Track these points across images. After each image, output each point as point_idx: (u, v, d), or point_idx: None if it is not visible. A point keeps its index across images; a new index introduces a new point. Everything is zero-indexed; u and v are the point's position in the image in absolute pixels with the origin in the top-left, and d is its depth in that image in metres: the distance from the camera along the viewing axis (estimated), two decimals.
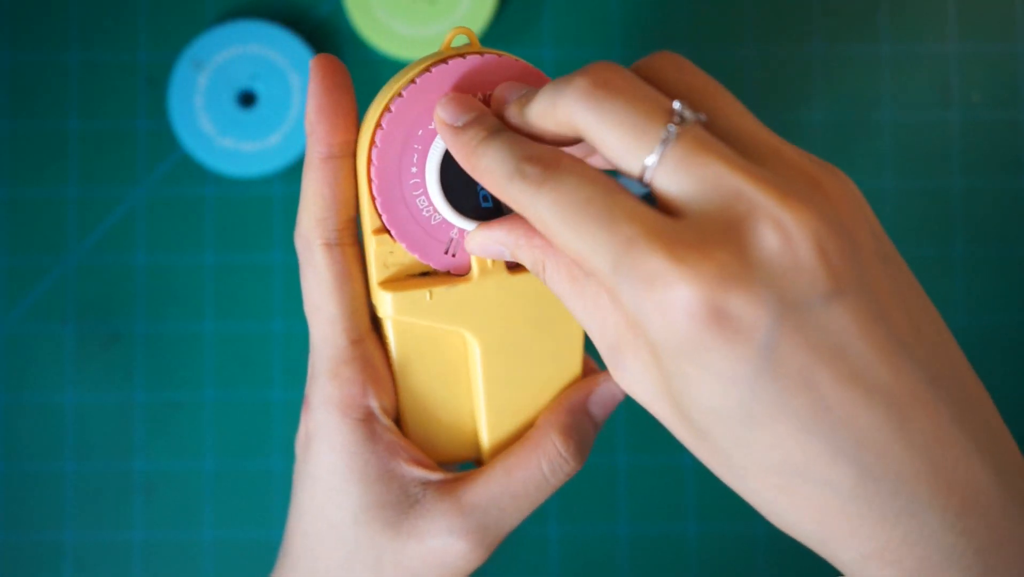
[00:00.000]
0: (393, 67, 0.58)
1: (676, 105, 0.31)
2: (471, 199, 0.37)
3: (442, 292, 0.38)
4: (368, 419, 0.38)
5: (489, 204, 0.36)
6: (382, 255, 0.38)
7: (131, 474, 0.57)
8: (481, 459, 0.41)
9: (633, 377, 0.31)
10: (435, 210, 0.37)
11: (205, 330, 0.57)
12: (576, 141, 0.32)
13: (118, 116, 0.58)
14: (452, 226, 0.37)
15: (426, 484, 0.38)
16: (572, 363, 0.40)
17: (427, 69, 0.36)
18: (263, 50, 0.57)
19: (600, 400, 0.39)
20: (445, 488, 0.38)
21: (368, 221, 0.37)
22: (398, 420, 0.40)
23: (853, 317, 0.27)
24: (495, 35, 0.58)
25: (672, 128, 0.29)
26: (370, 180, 0.37)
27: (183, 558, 0.57)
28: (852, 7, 0.59)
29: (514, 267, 0.38)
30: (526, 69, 0.37)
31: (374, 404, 0.38)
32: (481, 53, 0.36)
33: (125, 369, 0.57)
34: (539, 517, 0.57)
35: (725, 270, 0.26)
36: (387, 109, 0.36)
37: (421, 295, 0.38)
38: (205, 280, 0.58)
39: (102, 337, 0.58)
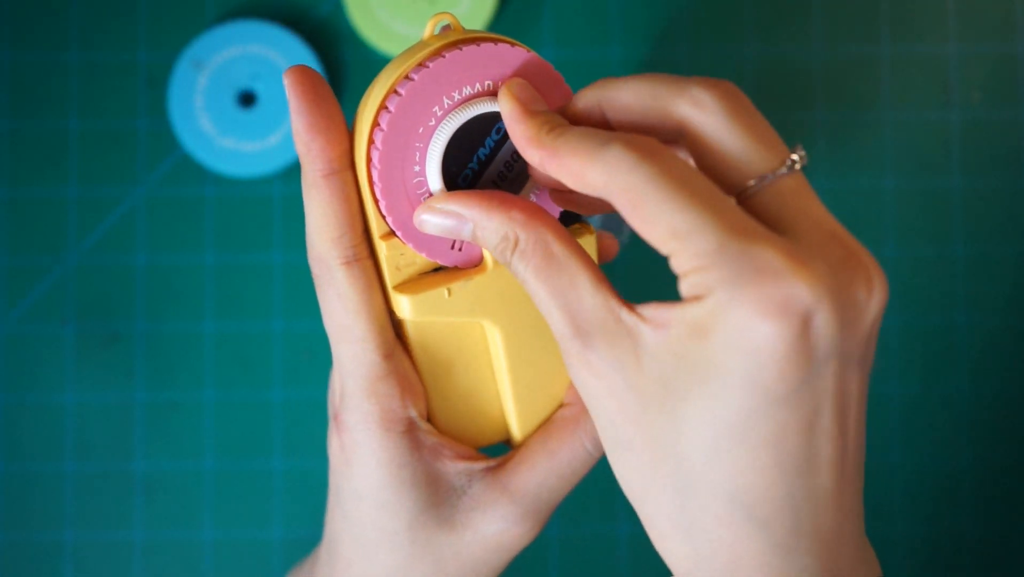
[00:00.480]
0: None
1: (800, 152, 0.33)
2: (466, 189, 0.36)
3: (460, 287, 0.37)
4: (410, 430, 0.38)
5: (465, 184, 0.36)
6: (393, 259, 0.37)
7: (131, 474, 0.57)
8: (511, 441, 0.41)
9: (601, 364, 0.31)
10: None
11: (205, 330, 0.57)
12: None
13: (118, 116, 0.58)
14: None
15: (471, 474, 0.38)
16: None
17: (423, 64, 0.35)
18: (263, 50, 0.57)
19: None
20: (492, 477, 0.38)
21: (375, 226, 0.36)
22: (429, 417, 0.40)
23: (861, 388, 0.30)
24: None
25: (795, 158, 0.32)
26: (372, 183, 0.36)
27: (183, 558, 0.57)
28: (852, 7, 0.59)
29: None
30: (529, 59, 0.36)
31: (413, 413, 0.38)
32: (476, 41, 0.35)
33: (125, 369, 0.57)
34: None
35: (834, 295, 0.28)
36: (384, 108, 0.35)
37: (439, 294, 0.37)
38: (205, 280, 0.58)
39: (102, 337, 0.58)
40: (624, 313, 0.32)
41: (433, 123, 0.35)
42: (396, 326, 0.39)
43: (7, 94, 0.58)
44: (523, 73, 0.36)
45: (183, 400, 0.57)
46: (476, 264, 0.37)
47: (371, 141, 0.35)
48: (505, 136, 0.35)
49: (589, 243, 0.39)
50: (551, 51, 0.58)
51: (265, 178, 0.58)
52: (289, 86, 0.34)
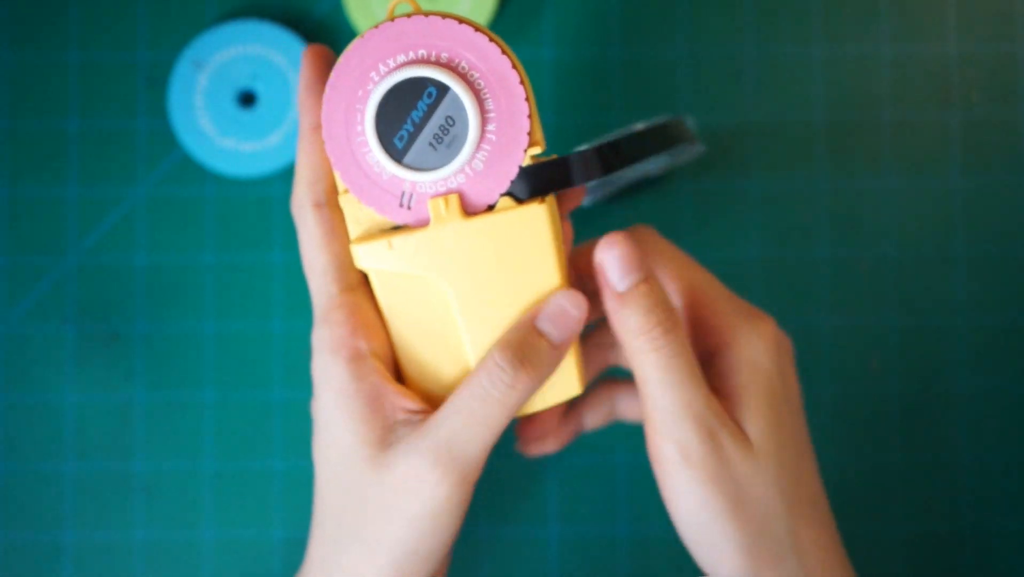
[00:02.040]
0: None
1: None
2: (404, 153, 0.39)
3: (400, 241, 0.39)
4: (355, 358, 0.39)
5: (403, 144, 0.39)
6: (352, 212, 0.40)
7: (131, 474, 0.57)
8: None
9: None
10: (382, 166, 0.39)
11: (205, 330, 0.57)
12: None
13: (118, 116, 0.58)
14: (403, 180, 0.39)
15: (407, 419, 0.40)
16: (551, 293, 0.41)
17: (362, 34, 0.38)
18: (263, 50, 0.57)
19: (549, 316, 0.40)
20: (417, 423, 0.39)
21: (339, 183, 0.40)
22: (397, 371, 0.42)
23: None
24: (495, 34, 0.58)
25: None
26: (324, 139, 0.39)
27: (183, 558, 0.57)
28: (852, 7, 0.59)
29: (471, 212, 0.40)
30: (466, 35, 0.38)
31: (363, 345, 0.40)
32: (425, 14, 0.38)
33: (125, 369, 0.57)
34: (539, 517, 0.57)
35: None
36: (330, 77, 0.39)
37: (381, 245, 0.40)
38: (205, 280, 0.58)
39: (102, 337, 0.58)
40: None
41: (370, 87, 0.38)
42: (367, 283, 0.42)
43: (7, 94, 0.58)
44: (452, 43, 0.38)
45: (183, 400, 0.57)
46: (424, 223, 0.40)
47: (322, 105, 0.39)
48: (437, 100, 0.38)
49: (549, 212, 0.40)
50: (551, 51, 0.58)
51: (265, 178, 0.58)
52: (303, 58, 0.40)
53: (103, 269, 0.58)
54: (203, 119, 0.57)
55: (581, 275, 0.44)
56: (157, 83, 0.58)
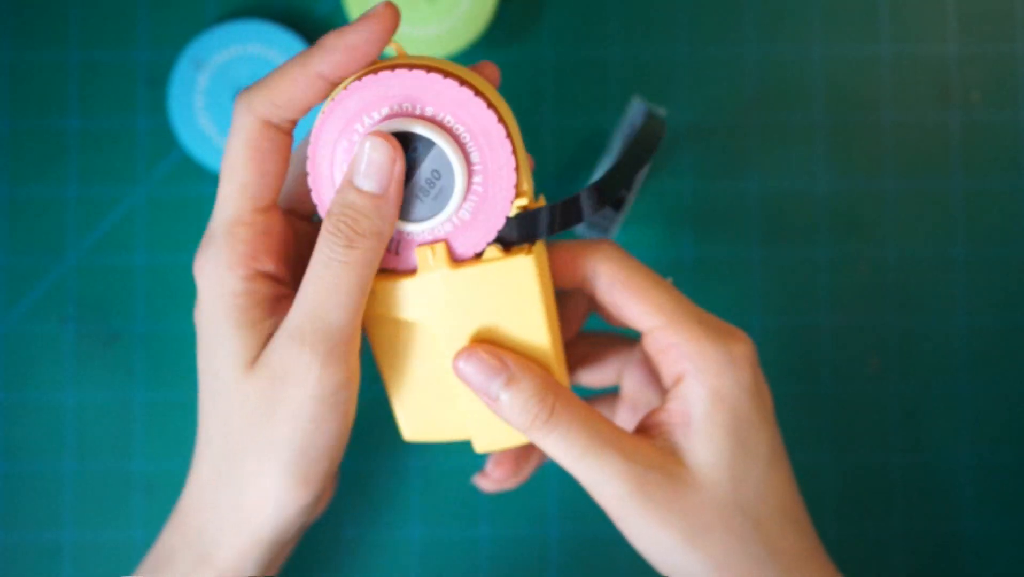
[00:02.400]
0: None
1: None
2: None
3: (384, 287, 0.40)
4: (252, 278, 0.39)
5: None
6: None
7: (131, 474, 0.57)
8: (472, 444, 0.45)
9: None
10: None
11: None
12: None
13: (118, 116, 0.58)
14: None
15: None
16: (540, 341, 0.41)
17: (346, 85, 0.38)
18: (263, 50, 0.57)
19: (359, 169, 0.38)
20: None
21: None
22: (398, 415, 0.43)
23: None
24: (495, 35, 0.58)
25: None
26: (311, 190, 0.39)
27: None
28: (852, 7, 0.59)
29: (458, 260, 0.40)
30: (452, 91, 0.38)
31: (262, 267, 0.39)
32: (395, 67, 0.38)
33: (125, 369, 0.57)
34: (539, 517, 0.57)
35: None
36: (316, 128, 0.38)
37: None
38: None
39: (102, 337, 0.58)
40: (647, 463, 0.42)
41: (356, 138, 0.38)
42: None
43: (7, 94, 0.58)
44: (437, 98, 0.38)
45: (183, 400, 0.57)
46: (412, 270, 0.40)
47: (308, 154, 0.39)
48: (423, 154, 0.38)
49: (536, 261, 0.40)
50: (551, 51, 0.58)
51: None
52: (370, 13, 0.37)
53: (103, 269, 0.58)
54: (203, 119, 0.57)
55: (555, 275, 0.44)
56: (157, 83, 0.58)
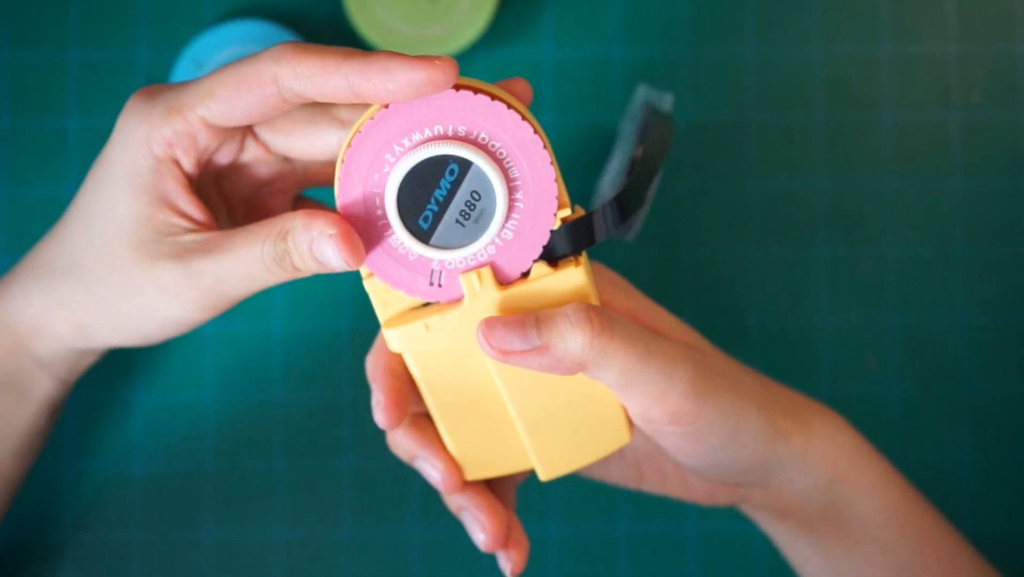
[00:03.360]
0: None
1: None
2: (430, 233, 0.37)
3: (436, 320, 0.38)
4: (166, 161, 0.41)
5: (428, 225, 0.37)
6: (379, 294, 0.39)
7: (131, 474, 0.57)
8: (535, 471, 0.42)
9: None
10: (408, 248, 0.38)
11: (205, 330, 0.57)
12: None
13: (118, 116, 0.58)
14: (431, 259, 0.38)
15: (178, 242, 0.41)
16: None
17: (372, 117, 0.37)
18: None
19: (318, 244, 0.38)
20: (185, 252, 0.41)
21: (361, 268, 0.38)
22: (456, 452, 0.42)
23: None
24: (495, 35, 0.58)
25: None
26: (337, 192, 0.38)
27: (183, 558, 0.57)
28: (852, 7, 0.59)
29: (504, 282, 0.38)
30: (483, 106, 0.37)
31: (178, 156, 0.41)
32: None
33: (125, 369, 0.57)
34: (539, 517, 0.57)
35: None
36: (342, 161, 0.37)
37: (419, 327, 0.39)
38: None
39: None
40: None
41: (387, 169, 0.37)
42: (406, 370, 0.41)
43: (7, 94, 0.58)
44: (470, 116, 0.37)
45: (183, 400, 0.57)
46: (457, 300, 0.39)
47: (337, 190, 0.37)
48: (460, 176, 0.37)
49: (586, 272, 0.39)
50: (551, 51, 0.58)
51: None
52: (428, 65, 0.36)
53: None
54: None
55: None
56: (157, 83, 0.58)
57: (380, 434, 0.58)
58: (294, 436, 0.57)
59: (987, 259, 0.58)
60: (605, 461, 0.48)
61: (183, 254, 0.41)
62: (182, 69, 0.57)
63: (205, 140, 0.41)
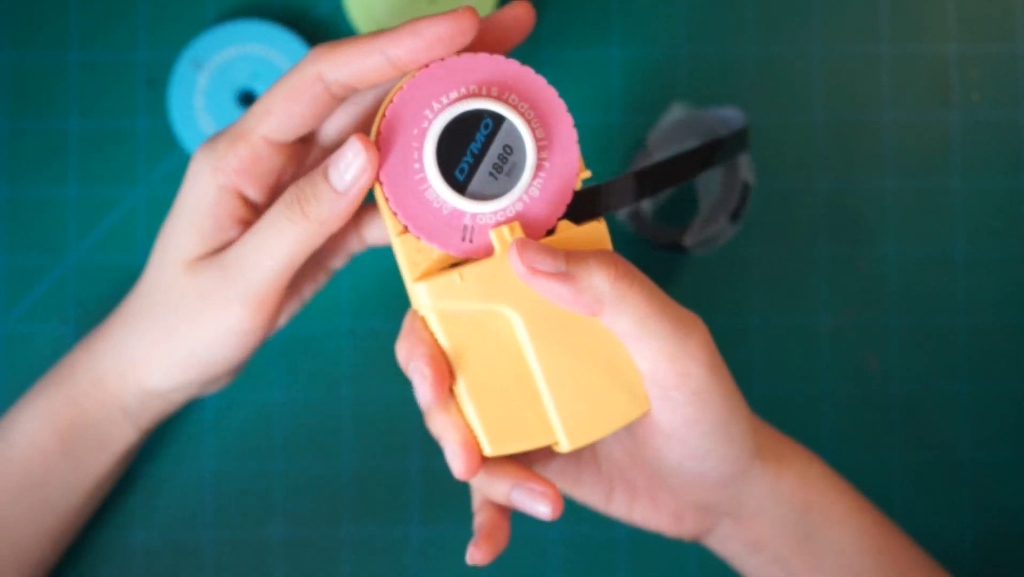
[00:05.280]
0: None
1: None
2: (466, 184, 0.40)
3: (471, 270, 0.40)
4: (227, 190, 0.43)
5: (464, 176, 0.40)
6: (410, 253, 0.40)
7: (131, 474, 0.57)
8: (559, 443, 0.42)
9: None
10: (444, 200, 0.40)
11: None
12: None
13: (118, 116, 0.58)
14: (464, 212, 0.40)
15: (219, 256, 0.44)
16: None
17: (412, 75, 0.39)
18: (263, 50, 0.57)
19: (335, 162, 0.40)
20: (219, 256, 0.44)
21: (390, 225, 0.40)
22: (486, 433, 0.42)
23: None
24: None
25: None
26: (380, 182, 0.40)
27: (183, 558, 0.57)
28: (852, 7, 0.59)
29: (532, 237, 0.40)
30: (513, 68, 0.40)
31: (243, 187, 0.43)
32: (473, 53, 0.40)
33: None
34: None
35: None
36: (382, 116, 0.39)
37: (452, 278, 0.40)
38: None
39: None
40: None
41: (426, 124, 0.39)
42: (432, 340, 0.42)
43: (7, 94, 0.58)
44: (502, 78, 0.40)
45: None
46: (488, 254, 0.40)
47: (376, 145, 0.39)
48: (494, 129, 0.39)
49: (601, 230, 0.42)
50: (551, 51, 0.58)
51: None
52: (451, 15, 0.39)
53: (103, 269, 0.58)
54: (203, 119, 0.57)
55: None
56: (157, 83, 0.58)
57: (380, 434, 0.58)
58: (294, 436, 0.58)
59: (987, 259, 0.58)
60: (577, 473, 0.48)
61: (217, 258, 0.44)
62: (182, 69, 0.57)
63: (270, 160, 0.43)
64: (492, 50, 0.42)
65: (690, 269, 0.58)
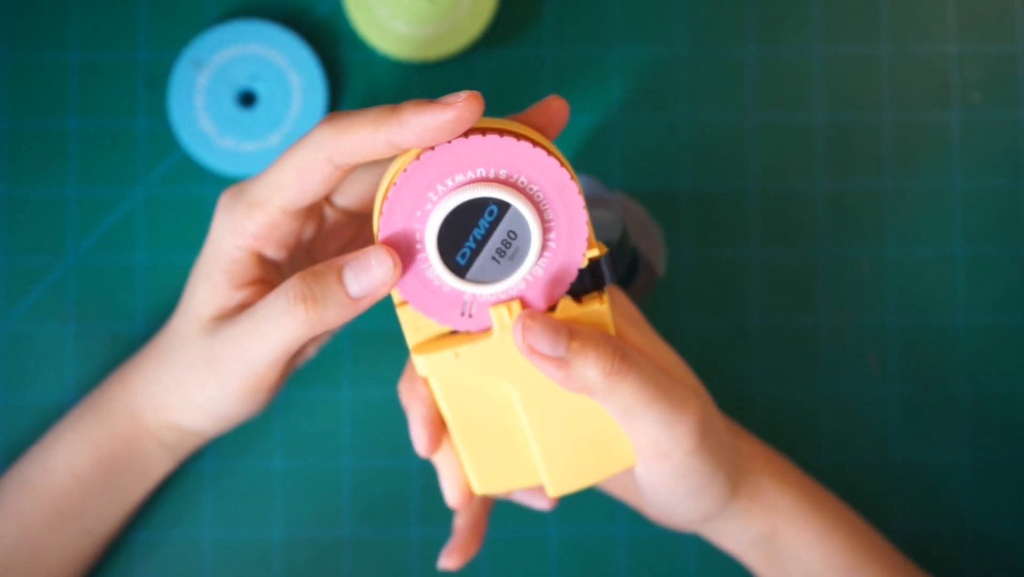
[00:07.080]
0: (393, 67, 0.58)
1: None
2: (467, 268, 0.39)
3: (467, 350, 0.40)
4: (244, 249, 0.44)
5: (465, 261, 0.39)
6: (410, 322, 0.41)
7: None
8: (546, 490, 0.45)
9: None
10: (444, 280, 0.40)
11: None
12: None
13: (118, 116, 0.58)
14: (464, 291, 0.40)
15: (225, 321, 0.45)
16: None
17: (417, 157, 0.38)
18: (263, 50, 0.57)
19: (355, 266, 0.40)
20: (222, 325, 0.45)
21: (394, 294, 0.41)
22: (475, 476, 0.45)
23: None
24: (495, 35, 0.58)
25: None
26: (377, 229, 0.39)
27: (183, 558, 0.57)
28: (852, 7, 0.59)
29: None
30: (522, 150, 0.38)
31: (260, 248, 0.44)
32: (483, 133, 0.38)
33: None
34: (539, 517, 0.57)
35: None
36: (384, 197, 0.39)
37: (448, 355, 0.41)
38: None
39: (102, 337, 0.58)
40: None
41: (429, 207, 0.38)
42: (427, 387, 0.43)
43: (7, 94, 0.58)
44: (511, 160, 0.38)
45: None
46: (486, 330, 0.41)
47: (378, 223, 0.39)
48: (499, 216, 0.38)
49: (609, 309, 0.42)
50: (551, 51, 0.58)
51: None
52: (465, 103, 0.38)
53: (103, 269, 0.58)
54: (203, 119, 0.57)
55: None
56: (157, 83, 0.58)
57: (379, 434, 0.58)
58: (294, 436, 0.58)
59: (987, 259, 0.58)
60: None
61: (227, 328, 0.44)
62: (182, 69, 0.57)
63: (286, 226, 0.43)
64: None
65: (690, 269, 0.58)
